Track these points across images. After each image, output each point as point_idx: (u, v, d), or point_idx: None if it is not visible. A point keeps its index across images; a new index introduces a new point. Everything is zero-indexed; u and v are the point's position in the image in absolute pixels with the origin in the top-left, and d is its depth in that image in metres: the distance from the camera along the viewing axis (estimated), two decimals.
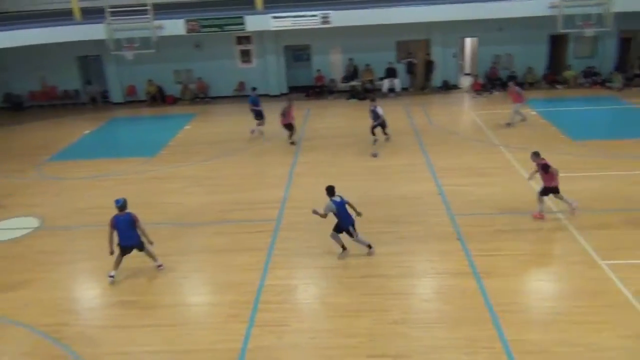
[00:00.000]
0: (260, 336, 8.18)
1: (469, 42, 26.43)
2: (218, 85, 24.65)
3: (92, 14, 21.53)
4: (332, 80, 24.34)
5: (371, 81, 23.95)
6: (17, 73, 24.83)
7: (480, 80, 23.55)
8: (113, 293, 9.65)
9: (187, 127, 20.30)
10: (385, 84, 23.44)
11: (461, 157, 15.30)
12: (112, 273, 9.86)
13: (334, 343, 7.95)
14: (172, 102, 24.45)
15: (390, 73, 23.46)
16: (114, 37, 21.11)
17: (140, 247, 10.04)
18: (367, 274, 9.69)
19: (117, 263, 9.88)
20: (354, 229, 10.09)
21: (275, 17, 21.40)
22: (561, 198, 11.27)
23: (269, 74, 24.48)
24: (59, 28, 21.27)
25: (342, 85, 24.09)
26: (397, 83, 23.47)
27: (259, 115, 18.25)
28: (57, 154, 17.96)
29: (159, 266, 10.23)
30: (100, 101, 24.95)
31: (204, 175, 15.20)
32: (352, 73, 23.94)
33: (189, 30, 21.75)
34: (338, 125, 19.52)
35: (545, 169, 11.00)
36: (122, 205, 9.91)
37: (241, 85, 24.71)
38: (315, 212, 9.90)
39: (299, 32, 22.57)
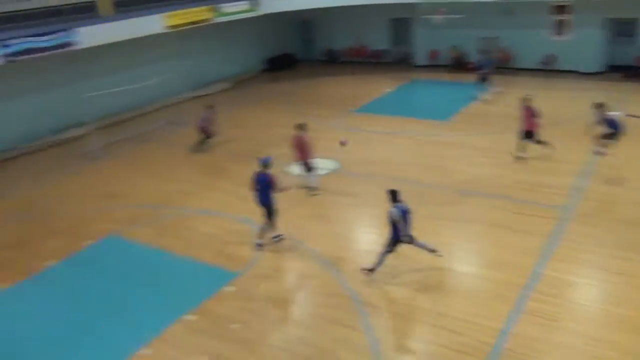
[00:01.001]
0: (527, 324, 7.80)
1: None
2: (523, 56, 23.35)
3: None
4: None
5: None
6: (338, 32, 27.73)
7: None
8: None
9: (482, 96, 19.92)
10: None
11: None
12: (275, 234, 10.45)
13: (608, 356, 7.12)
14: (472, 70, 24.16)
15: None
16: (427, 0, 21.68)
17: (269, 210, 10.12)
18: None
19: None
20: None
21: None
22: None
23: (585, 48, 22.06)
24: None
25: None
26: None
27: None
28: (360, 107, 19.68)
29: (275, 237, 10.43)
30: (404, 62, 26.17)
31: (492, 147, 14.80)
32: None
33: None
34: None
35: None
36: (265, 163, 10.04)
37: (549, 58, 22.94)
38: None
39: (627, 3, 19.64)
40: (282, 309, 8.66)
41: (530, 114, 13.19)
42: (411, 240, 8.91)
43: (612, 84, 20.44)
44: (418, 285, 8.93)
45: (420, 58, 25.81)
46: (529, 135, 13.31)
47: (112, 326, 8.49)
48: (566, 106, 17.82)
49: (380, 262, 8.97)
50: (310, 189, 12.53)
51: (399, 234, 8.71)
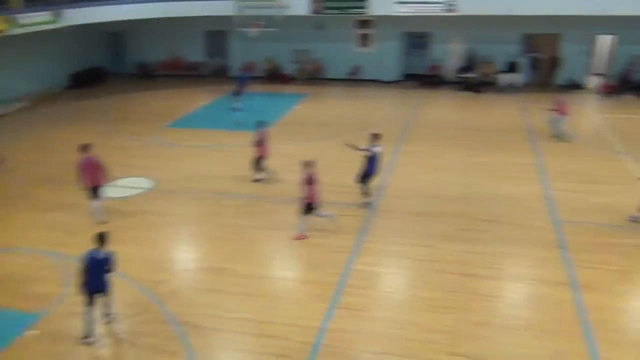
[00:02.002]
0: (341, 318, 8.26)
1: (603, 40, 24.34)
2: (333, 67, 24.88)
3: None
4: (448, 71, 23.61)
5: (489, 74, 22.91)
6: (150, 44, 26.77)
7: (611, 82, 21.65)
8: (207, 258, 10.20)
9: (297, 106, 20.73)
10: (505, 78, 22.32)
11: (576, 162, 14.27)
12: None
13: (414, 336, 7.84)
14: (287, 81, 25.07)
15: (512, 67, 22.29)
16: (241, 14, 21.96)
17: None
18: (456, 271, 9.41)
19: None
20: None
21: (399, 3, 21.06)
22: None
23: (385, 59, 24.25)
24: (192, 3, 22.53)
25: (457, 77, 23.29)
26: (518, 78, 22.25)
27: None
28: (174, 122, 19.19)
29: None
30: (220, 75, 26.17)
31: (307, 155, 15.40)
32: (467, 64, 23.04)
33: (313, 11, 22.07)
34: (448, 117, 18.99)
35: None
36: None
37: (356, 69, 24.74)
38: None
39: (421, 19, 22.07)
40: (95, 347, 7.99)
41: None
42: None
43: (409, 91, 22.74)
44: (239, 297, 8.92)
45: (237, 70, 26.04)
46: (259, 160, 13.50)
47: None
48: (371, 111, 19.31)
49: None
50: (96, 216, 11.48)
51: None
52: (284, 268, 9.87)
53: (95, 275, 7.80)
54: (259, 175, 13.52)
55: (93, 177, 11.14)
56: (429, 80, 23.67)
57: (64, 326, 8.34)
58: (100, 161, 11.22)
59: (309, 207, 10.40)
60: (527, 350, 7.52)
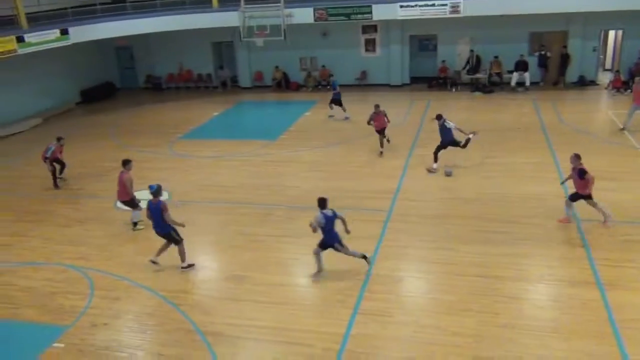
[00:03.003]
0: (364, 324, 8.24)
1: (612, 34, 24.25)
2: (341, 73, 24.90)
3: (227, 2, 22.70)
4: (457, 72, 23.59)
5: (498, 74, 22.87)
6: (159, 57, 26.99)
7: (622, 77, 21.52)
8: (228, 267, 10.24)
9: (307, 113, 20.80)
10: (514, 77, 22.26)
11: (592, 159, 14.12)
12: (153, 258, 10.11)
13: (437, 340, 7.80)
14: (296, 89, 25.16)
15: (521, 66, 22.22)
16: (246, 24, 22.12)
17: (169, 238, 10.01)
18: (478, 274, 9.36)
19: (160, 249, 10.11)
20: (341, 245, 9.37)
21: (402, 6, 21.12)
22: (594, 205, 10.50)
23: (392, 63, 24.28)
24: (197, 15, 22.73)
25: (466, 78, 23.26)
26: (527, 77, 22.19)
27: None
28: (188, 133, 19.31)
29: (184, 267, 10.09)
30: (230, 85, 26.32)
31: (320, 161, 15.52)
32: (474, 65, 23.00)
33: (317, 19, 22.18)
34: (459, 119, 18.86)
35: (580, 175, 10.25)
36: (155, 191, 9.84)
37: (363, 74, 24.79)
38: (311, 224, 9.17)
39: (426, 22, 22.09)
40: (121, 357, 8.05)
41: (382, 117, 15.19)
42: (339, 250, 9.35)
43: (418, 94, 22.74)
44: (263, 305, 8.94)
45: (245, 80, 26.21)
46: (382, 132, 15.33)
47: None
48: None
49: (319, 262, 9.48)
50: (134, 225, 11.90)
51: (327, 241, 9.23)
52: (304, 275, 9.85)
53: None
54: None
55: (124, 191, 11.64)
56: (437, 82, 23.66)
57: (88, 339, 8.41)
58: (130, 176, 11.65)
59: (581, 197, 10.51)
60: (556, 352, 7.40)
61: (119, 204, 12.49)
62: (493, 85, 22.53)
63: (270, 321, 8.51)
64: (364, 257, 9.59)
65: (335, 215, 9.23)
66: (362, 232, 10.97)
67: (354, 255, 9.54)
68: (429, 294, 9.05)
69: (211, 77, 26.81)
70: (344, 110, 19.60)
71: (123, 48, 27.17)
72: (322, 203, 9.20)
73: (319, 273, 9.61)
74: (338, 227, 9.37)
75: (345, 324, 8.26)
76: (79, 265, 10.59)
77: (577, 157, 10.50)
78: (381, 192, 12.98)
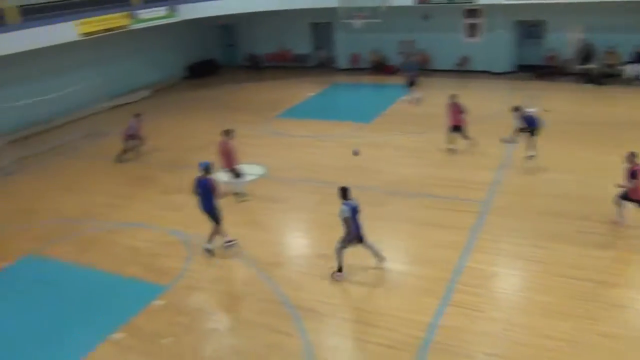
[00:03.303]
0: (453, 316, 8.11)
1: None
2: (440, 57, 24.29)
3: None
4: (567, 61, 22.19)
5: (613, 65, 21.26)
6: (259, 36, 27.65)
7: None
8: (319, 245, 10.42)
9: (403, 97, 20.50)
10: (630, 69, 20.62)
11: None
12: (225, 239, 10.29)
13: (529, 341, 7.52)
14: (392, 72, 24.85)
15: (639, 57, 20.54)
16: (345, 5, 22.05)
17: (212, 216, 10.01)
18: (576, 276, 8.86)
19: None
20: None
21: None
22: None
23: (495, 50, 23.26)
24: None
25: (577, 68, 21.84)
26: None
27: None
28: (284, 112, 19.72)
29: (227, 242, 10.28)
30: (327, 66, 26.47)
31: (415, 147, 15.29)
32: (587, 54, 21.47)
33: (420, 1, 21.68)
34: (567, 111, 17.83)
35: (634, 175, 9.35)
36: (206, 168, 9.95)
37: (464, 59, 23.99)
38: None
39: (534, 7, 20.93)
40: (213, 320, 8.49)
41: (457, 110, 13.94)
42: (360, 240, 9.00)
43: (522, 83, 21.69)
44: (348, 285, 9.05)
45: (342, 61, 26.22)
46: (456, 129, 14.11)
47: (34, 353, 8.00)
48: (482, 104, 18.66)
49: (340, 259, 9.04)
50: (239, 196, 12.40)
51: (354, 229, 8.79)
52: (394, 260, 9.80)
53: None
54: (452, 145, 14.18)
55: (229, 160, 12.10)
56: (545, 71, 22.39)
57: (186, 299, 8.93)
58: (236, 146, 12.13)
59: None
60: None
61: (222, 175, 12.83)
62: (607, 76, 21.01)
63: (356, 302, 8.60)
64: (381, 257, 9.34)
65: (356, 208, 8.85)
66: (456, 222, 10.77)
67: (373, 249, 9.26)
68: (523, 292, 8.72)
69: (308, 57, 27.09)
70: (414, 92, 19.69)
71: (226, 26, 28.09)
72: (344, 193, 8.78)
73: (341, 275, 9.17)
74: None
75: (432, 313, 8.17)
76: (178, 230, 11.23)
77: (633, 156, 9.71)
78: (477, 182, 12.59)
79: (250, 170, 13.62)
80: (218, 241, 10.26)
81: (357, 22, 22.03)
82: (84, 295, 9.33)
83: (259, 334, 8.02)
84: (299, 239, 10.85)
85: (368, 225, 10.85)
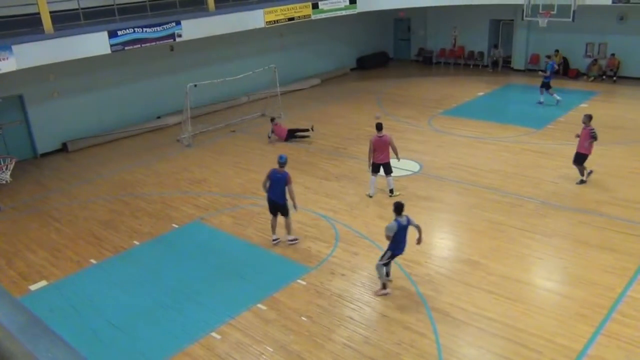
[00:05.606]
0: (606, 347, 7.32)
1: None
2: (635, 63, 21.70)
3: None
4: None
5: None
6: (434, 31, 27.21)
7: None
8: (465, 250, 10.07)
9: (583, 104, 18.76)
10: None
11: None
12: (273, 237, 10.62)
13: None
14: (574, 76, 22.84)
15: None
16: (532, 2, 20.70)
17: (283, 211, 10.31)
18: None
19: (272, 226, 10.57)
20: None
21: None
22: None
23: None
24: None
25: None
26: None
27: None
28: (449, 110, 19.23)
29: (290, 240, 10.50)
30: (501, 66, 25.19)
31: (590, 159, 13.90)
32: None
33: (617, 1, 19.53)
34: None
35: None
36: (285, 162, 10.27)
37: None
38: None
39: None
40: (350, 308, 8.66)
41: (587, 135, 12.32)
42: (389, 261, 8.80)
43: None
44: (494, 296, 8.62)
45: (519, 62, 24.74)
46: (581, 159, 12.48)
47: (186, 308, 8.92)
48: None
49: (381, 276, 8.86)
50: (390, 191, 12.40)
51: (393, 247, 8.60)
52: (546, 277, 9.13)
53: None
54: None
55: (383, 154, 12.05)
56: None
57: (325, 284, 9.23)
58: (390, 140, 12.03)
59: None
60: None
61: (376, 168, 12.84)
62: None
63: (499, 315, 8.15)
64: (384, 286, 8.89)
65: (409, 223, 8.47)
66: (620, 246, 9.67)
67: (382, 275, 8.83)
68: None
69: (483, 55, 26.04)
70: (551, 94, 18.67)
71: (401, 20, 28.10)
72: (398, 208, 8.46)
73: (386, 289, 8.87)
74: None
75: (583, 341, 7.45)
76: (329, 216, 11.62)
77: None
78: None
79: (404, 166, 13.53)
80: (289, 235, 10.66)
81: (542, 20, 20.56)
82: (236, 266, 10.10)
83: (392, 329, 8.02)
84: (446, 241, 10.56)
85: (524, 236, 10.25)
